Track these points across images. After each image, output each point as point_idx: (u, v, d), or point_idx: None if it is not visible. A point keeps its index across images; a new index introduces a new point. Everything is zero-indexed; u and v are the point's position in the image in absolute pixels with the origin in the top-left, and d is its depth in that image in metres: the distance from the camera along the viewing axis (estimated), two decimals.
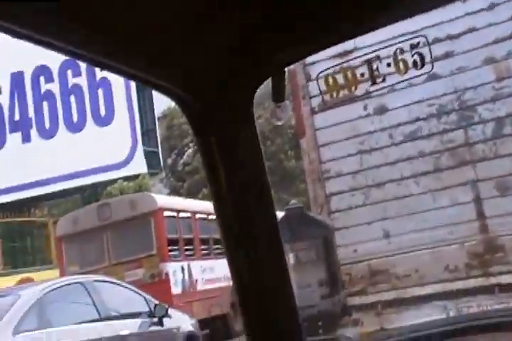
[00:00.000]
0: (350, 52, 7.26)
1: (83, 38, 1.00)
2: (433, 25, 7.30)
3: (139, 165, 20.56)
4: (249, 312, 1.40)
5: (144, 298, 8.54)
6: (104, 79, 20.37)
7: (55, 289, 7.30)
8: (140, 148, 20.96)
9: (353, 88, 7.13)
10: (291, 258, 6.28)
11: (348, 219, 7.70)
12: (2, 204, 17.57)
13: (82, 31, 0.98)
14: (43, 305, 7.04)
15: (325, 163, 8.32)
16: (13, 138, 20.42)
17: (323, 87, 7.05)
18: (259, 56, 1.31)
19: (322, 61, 7.29)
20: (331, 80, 6.94)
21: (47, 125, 20.96)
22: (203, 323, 9.51)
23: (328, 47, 1.36)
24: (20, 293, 7.07)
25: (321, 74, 7.15)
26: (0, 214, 17.61)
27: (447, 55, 7.57)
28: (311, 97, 8.34)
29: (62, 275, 12.12)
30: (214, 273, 13.66)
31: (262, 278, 1.38)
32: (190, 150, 26.98)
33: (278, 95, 1.40)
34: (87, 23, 0.97)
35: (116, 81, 20.24)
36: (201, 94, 1.27)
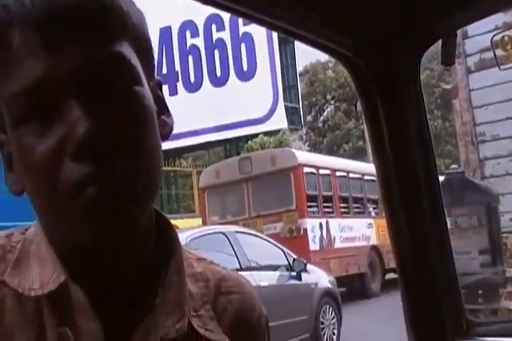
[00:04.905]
0: None
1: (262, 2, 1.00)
2: None
3: (279, 121, 20.62)
4: (407, 274, 1.37)
5: (283, 251, 8.57)
6: (247, 34, 20.40)
7: (199, 237, 7.47)
8: (281, 103, 20.98)
9: None
10: (449, 224, 6.02)
11: (504, 185, 7.23)
12: None
13: None
14: None
15: (479, 125, 7.85)
16: None
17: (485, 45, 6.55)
18: (431, 17, 1.26)
19: None
20: (499, 38, 6.38)
21: (192, 79, 21.43)
22: (339, 281, 9.45)
23: (504, 9, 1.30)
24: None
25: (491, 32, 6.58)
26: None
27: None
28: (466, 56, 7.84)
29: (204, 224, 12.49)
30: (352, 231, 13.60)
31: (421, 239, 1.35)
32: (331, 107, 26.69)
33: (448, 58, 1.34)
34: None
35: (259, 36, 20.19)
36: (370, 56, 1.24)
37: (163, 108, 0.75)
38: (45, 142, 0.64)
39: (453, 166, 7.36)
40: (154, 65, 0.75)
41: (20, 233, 0.75)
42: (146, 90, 0.69)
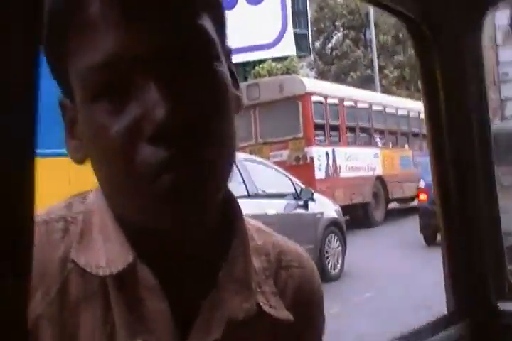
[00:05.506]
0: None
1: None
2: None
3: (288, 47, 20.26)
4: (452, 231, 1.35)
5: (291, 180, 8.55)
6: None
7: None
8: (290, 29, 20.52)
9: None
10: None
11: None
12: None
13: None
14: None
15: (502, 64, 7.61)
16: None
17: None
18: None
19: None
20: None
21: None
22: (343, 209, 9.49)
23: None
24: None
25: None
26: None
27: None
28: None
29: None
30: (358, 161, 13.61)
31: (471, 195, 1.31)
32: (339, 34, 26.15)
33: None
34: None
35: None
36: (429, 15, 1.21)
37: (234, 80, 0.69)
38: (119, 122, 0.60)
39: (497, 122, 7.12)
40: (227, 34, 0.69)
41: (79, 202, 0.73)
42: (224, 67, 0.65)
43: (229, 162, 0.65)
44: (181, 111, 0.59)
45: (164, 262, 0.68)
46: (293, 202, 8.23)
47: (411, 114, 16.17)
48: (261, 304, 0.71)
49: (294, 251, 0.81)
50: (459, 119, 1.28)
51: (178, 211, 0.61)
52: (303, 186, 8.53)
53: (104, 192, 0.69)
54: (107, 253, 0.67)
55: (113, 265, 0.67)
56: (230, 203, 0.74)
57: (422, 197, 10.51)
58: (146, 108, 0.59)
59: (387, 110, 15.16)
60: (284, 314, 0.73)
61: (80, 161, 0.68)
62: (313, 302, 0.80)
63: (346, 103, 13.73)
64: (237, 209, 0.74)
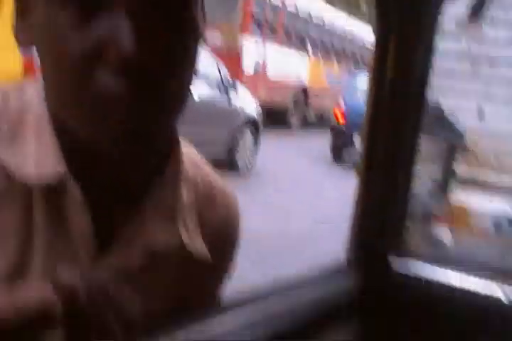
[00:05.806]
0: None
1: None
2: None
3: None
4: (369, 173, 1.31)
5: (217, 63, 7.83)
6: None
7: None
8: None
9: None
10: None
11: None
12: None
13: None
14: None
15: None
16: None
17: None
18: None
19: None
20: None
21: None
22: (263, 110, 8.96)
23: None
24: None
25: None
26: None
27: None
28: None
29: None
30: (286, 65, 13.30)
31: (396, 145, 1.30)
32: None
33: None
34: None
35: None
36: None
37: (203, 15, 0.65)
38: (84, 37, 0.57)
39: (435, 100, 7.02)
40: None
41: (16, 96, 0.68)
42: (199, 9, 0.62)
43: (185, 93, 0.64)
44: (148, 46, 0.56)
45: (95, 181, 0.67)
46: (216, 90, 7.61)
47: (348, 35, 15.96)
48: (182, 238, 0.72)
49: (222, 189, 0.81)
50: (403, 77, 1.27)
51: (128, 140, 0.59)
52: (228, 76, 7.89)
53: (47, 97, 0.66)
54: (38, 162, 0.65)
55: (43, 175, 0.65)
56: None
57: (339, 118, 10.06)
58: (114, 32, 0.56)
59: (326, 23, 14.94)
60: (202, 251, 0.74)
61: (21, 44, 0.64)
62: (232, 240, 0.83)
63: (289, 8, 13.26)
64: (177, 135, 0.73)
